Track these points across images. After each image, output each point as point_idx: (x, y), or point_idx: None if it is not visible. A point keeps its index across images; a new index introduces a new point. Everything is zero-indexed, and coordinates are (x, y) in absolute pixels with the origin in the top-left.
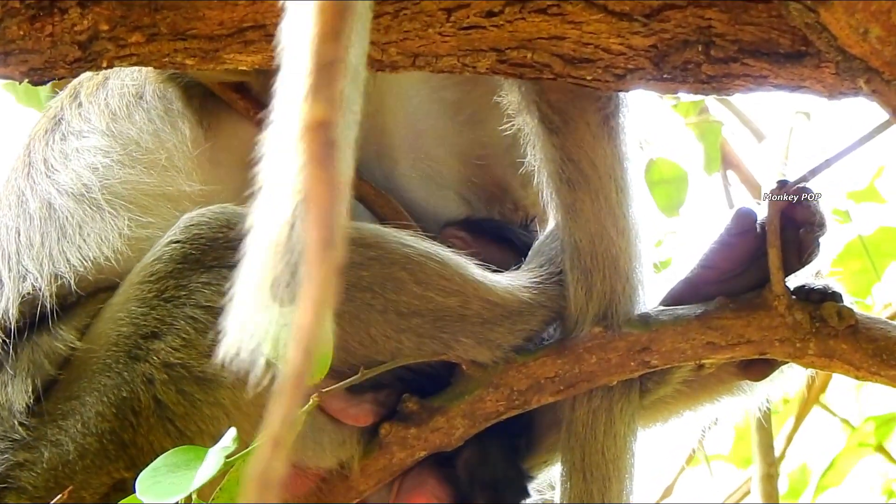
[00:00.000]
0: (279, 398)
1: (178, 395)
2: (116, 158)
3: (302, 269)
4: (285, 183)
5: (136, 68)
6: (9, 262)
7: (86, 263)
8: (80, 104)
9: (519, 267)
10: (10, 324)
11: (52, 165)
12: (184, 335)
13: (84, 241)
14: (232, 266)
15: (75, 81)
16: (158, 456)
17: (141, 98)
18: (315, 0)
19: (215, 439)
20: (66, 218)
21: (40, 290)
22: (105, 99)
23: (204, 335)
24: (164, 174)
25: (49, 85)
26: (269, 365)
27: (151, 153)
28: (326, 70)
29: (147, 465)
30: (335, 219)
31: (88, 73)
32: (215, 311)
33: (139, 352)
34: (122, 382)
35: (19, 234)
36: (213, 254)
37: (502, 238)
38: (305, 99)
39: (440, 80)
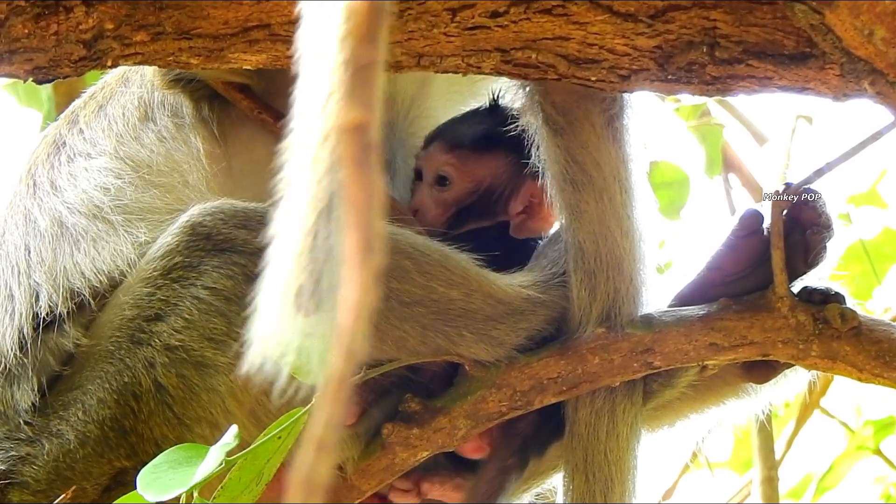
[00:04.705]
0: (322, 402)
1: (178, 379)
2: (129, 181)
3: (327, 278)
4: (309, 190)
5: (133, 92)
6: (19, 277)
7: (100, 277)
8: (80, 130)
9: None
10: (27, 340)
11: (59, 186)
12: (186, 316)
13: (98, 253)
14: (243, 251)
15: (71, 109)
16: (158, 444)
17: (148, 119)
18: (345, 2)
19: (212, 427)
20: (81, 234)
21: (56, 305)
22: (108, 124)
23: (207, 317)
24: (183, 191)
25: (51, 85)
26: (293, 376)
27: (165, 175)
28: (362, 73)
29: (147, 454)
30: (374, 222)
31: (82, 101)
32: (222, 295)
33: (142, 335)
34: (123, 368)
35: (29, 252)
36: (225, 233)
37: (488, 144)
38: (341, 102)
39: (465, 96)
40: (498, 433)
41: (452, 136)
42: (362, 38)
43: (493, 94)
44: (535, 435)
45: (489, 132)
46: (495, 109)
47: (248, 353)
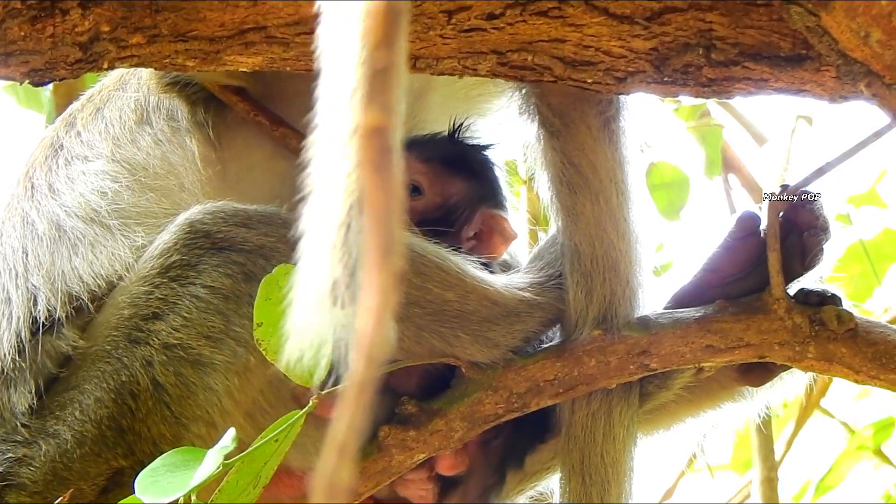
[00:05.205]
0: (344, 405)
1: (176, 377)
2: (126, 184)
3: (360, 270)
4: (338, 184)
5: (130, 95)
6: (16, 281)
7: (98, 281)
8: (78, 133)
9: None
10: (24, 343)
11: (56, 189)
12: (185, 314)
13: (96, 257)
14: (242, 249)
15: (69, 111)
16: (155, 443)
17: (144, 122)
18: (365, 4)
19: (209, 426)
20: (78, 238)
21: (54, 309)
22: (105, 127)
23: (205, 315)
24: (179, 195)
25: (51, 87)
26: (331, 367)
27: (161, 179)
28: (381, 76)
29: (144, 453)
30: (393, 225)
31: (80, 103)
32: (221, 294)
33: (140, 334)
34: (121, 367)
35: (27, 255)
36: (224, 231)
37: (462, 166)
38: (361, 105)
39: (461, 112)
40: (475, 448)
41: (429, 150)
42: (380, 41)
43: (456, 123)
44: (512, 447)
45: (461, 155)
46: (463, 137)
47: (286, 346)
